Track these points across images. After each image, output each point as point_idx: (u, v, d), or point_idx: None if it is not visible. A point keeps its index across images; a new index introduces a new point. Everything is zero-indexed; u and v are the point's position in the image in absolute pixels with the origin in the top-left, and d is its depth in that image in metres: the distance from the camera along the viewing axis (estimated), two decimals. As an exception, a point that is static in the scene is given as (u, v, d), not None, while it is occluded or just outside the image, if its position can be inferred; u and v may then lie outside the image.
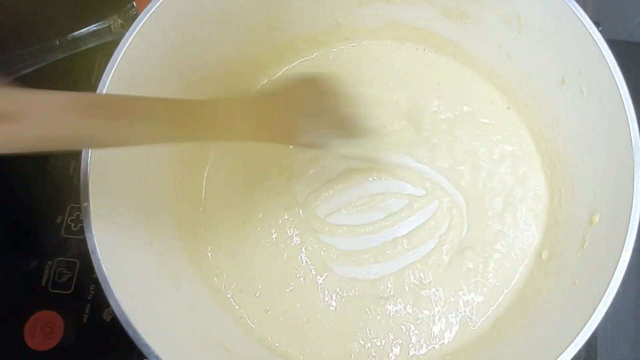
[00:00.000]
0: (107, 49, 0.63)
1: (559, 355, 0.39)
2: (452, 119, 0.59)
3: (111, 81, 0.44)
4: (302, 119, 0.44)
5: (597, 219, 0.46)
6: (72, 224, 0.59)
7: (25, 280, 0.57)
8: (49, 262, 0.58)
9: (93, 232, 0.41)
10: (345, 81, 0.61)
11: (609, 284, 0.40)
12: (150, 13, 0.46)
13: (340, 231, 0.57)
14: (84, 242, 0.41)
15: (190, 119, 0.40)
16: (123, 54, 0.45)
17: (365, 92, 0.61)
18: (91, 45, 0.63)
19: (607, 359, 0.55)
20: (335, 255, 0.56)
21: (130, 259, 0.45)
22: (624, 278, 0.40)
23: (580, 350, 0.39)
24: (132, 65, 0.46)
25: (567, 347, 0.39)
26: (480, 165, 0.58)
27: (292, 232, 0.57)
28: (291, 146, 0.45)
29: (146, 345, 0.40)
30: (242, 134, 0.44)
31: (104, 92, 0.44)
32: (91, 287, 0.57)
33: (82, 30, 0.62)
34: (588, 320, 0.39)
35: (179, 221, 0.54)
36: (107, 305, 0.40)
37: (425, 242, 0.56)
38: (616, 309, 0.40)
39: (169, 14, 0.47)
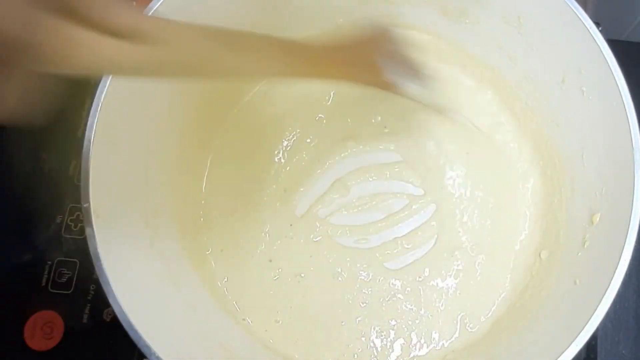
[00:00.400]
0: (107, 49, 0.63)
1: (560, 355, 0.39)
2: (450, 120, 0.59)
3: (110, 84, 0.44)
4: (383, 61, 0.46)
5: (598, 219, 0.46)
6: (72, 224, 0.59)
7: (25, 280, 0.57)
8: (49, 262, 0.57)
9: (94, 234, 0.41)
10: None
11: (609, 283, 0.40)
12: (150, 14, 0.46)
13: (340, 231, 0.57)
14: (84, 242, 0.41)
15: (297, 56, 0.42)
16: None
17: (365, 90, 0.61)
18: (91, 45, 0.62)
19: (607, 359, 0.55)
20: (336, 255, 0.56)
21: (131, 260, 0.45)
22: (624, 278, 0.40)
23: (580, 350, 0.39)
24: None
25: (568, 347, 0.39)
26: (480, 165, 0.58)
27: (293, 233, 0.57)
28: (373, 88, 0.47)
29: (147, 347, 0.40)
30: (337, 73, 0.45)
31: (104, 93, 0.44)
32: (91, 287, 0.56)
33: (82, 30, 0.62)
34: (589, 319, 0.39)
35: (179, 222, 0.54)
36: (107, 305, 0.40)
37: (426, 242, 0.56)
38: (616, 309, 0.40)
39: (169, 15, 0.47)
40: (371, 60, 0.45)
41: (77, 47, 0.27)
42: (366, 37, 0.46)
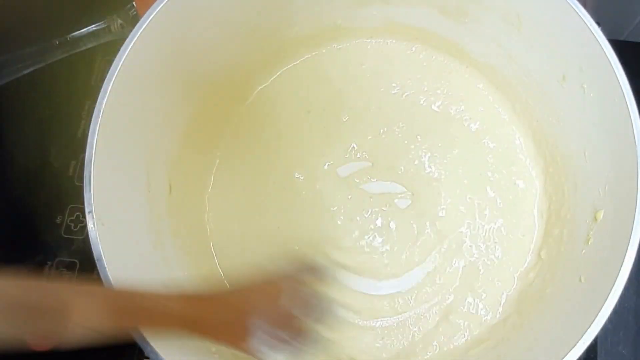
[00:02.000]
0: (107, 50, 0.63)
1: (567, 353, 0.39)
2: (451, 119, 0.60)
3: (112, 87, 0.44)
4: (255, 324, 0.39)
5: (601, 216, 0.46)
6: (72, 224, 0.59)
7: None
8: (49, 262, 0.57)
9: (98, 239, 0.41)
10: (343, 80, 0.61)
11: (615, 280, 0.40)
12: (151, 17, 0.46)
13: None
14: (84, 242, 0.41)
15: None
16: (124, 58, 0.45)
17: (364, 91, 0.61)
18: (91, 45, 0.63)
19: (607, 359, 0.55)
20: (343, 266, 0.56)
21: (135, 264, 0.45)
22: (625, 277, 0.40)
23: (579, 350, 0.39)
24: (133, 70, 0.46)
25: (575, 345, 0.39)
26: (480, 165, 0.58)
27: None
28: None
29: (154, 352, 0.40)
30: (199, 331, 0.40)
31: (106, 97, 0.44)
32: (91, 288, 0.56)
33: (81, 31, 0.62)
34: (595, 317, 0.39)
35: (182, 226, 0.54)
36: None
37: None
38: (616, 309, 0.40)
39: (170, 18, 0.47)
40: (243, 322, 0.39)
41: None
42: (266, 284, 0.40)
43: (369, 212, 0.57)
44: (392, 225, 0.57)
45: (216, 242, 0.57)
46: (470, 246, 0.56)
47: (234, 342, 0.39)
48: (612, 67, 0.44)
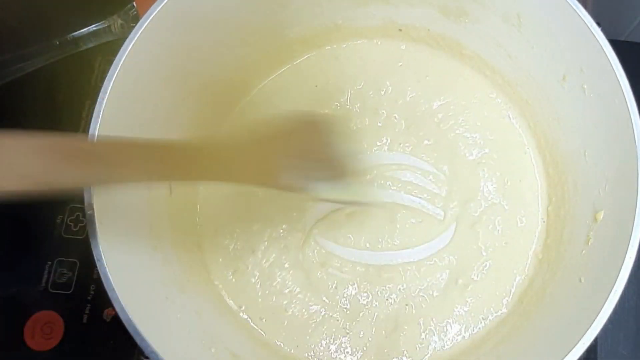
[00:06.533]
0: (107, 49, 0.63)
1: (568, 353, 0.39)
2: (451, 118, 0.60)
3: (112, 87, 0.44)
4: (284, 160, 0.42)
5: (601, 216, 0.46)
6: (72, 224, 0.59)
7: (25, 280, 0.57)
8: (49, 262, 0.57)
9: (98, 240, 0.41)
10: (343, 80, 0.61)
11: (615, 281, 0.39)
12: (151, 17, 0.46)
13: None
14: (84, 242, 0.41)
15: (174, 160, 0.39)
16: (124, 58, 0.45)
17: (364, 91, 0.61)
18: (91, 45, 0.63)
19: (607, 359, 0.55)
20: (340, 263, 0.56)
21: (135, 265, 0.45)
22: (624, 277, 0.40)
23: (579, 350, 0.39)
24: (133, 70, 0.46)
25: (576, 345, 0.39)
26: (481, 165, 0.58)
27: (292, 240, 0.57)
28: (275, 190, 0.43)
29: (154, 353, 0.40)
30: (228, 175, 0.42)
31: (106, 97, 0.44)
32: (91, 287, 0.56)
33: (82, 31, 0.62)
34: (595, 317, 0.39)
35: (182, 227, 0.54)
36: (107, 305, 0.40)
37: (428, 243, 0.56)
38: (616, 309, 0.40)
39: (170, 19, 0.47)
40: (268, 161, 0.41)
41: None
42: (289, 128, 0.43)
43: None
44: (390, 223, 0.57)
45: (216, 242, 0.57)
46: (469, 247, 0.56)
47: (269, 181, 0.41)
48: (612, 67, 0.44)
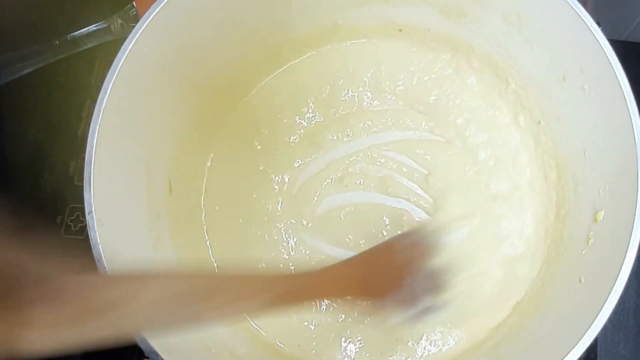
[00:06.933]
0: (107, 49, 0.63)
1: (568, 353, 0.39)
2: (451, 118, 0.60)
3: (112, 87, 0.44)
4: (413, 278, 0.41)
5: (602, 216, 0.46)
6: (72, 224, 0.59)
7: (25, 280, 0.57)
8: (49, 262, 0.57)
9: (98, 240, 0.41)
10: (343, 80, 0.61)
11: (615, 281, 0.40)
12: (151, 17, 0.46)
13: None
14: (84, 242, 0.41)
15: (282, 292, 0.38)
16: (124, 58, 0.45)
17: (364, 91, 0.61)
18: (91, 45, 0.63)
19: (607, 359, 0.55)
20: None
21: (135, 264, 0.45)
22: (624, 277, 0.40)
23: (579, 350, 0.39)
24: (133, 70, 0.46)
25: (576, 345, 0.39)
26: (481, 165, 0.58)
27: (293, 240, 0.57)
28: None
29: (154, 353, 0.40)
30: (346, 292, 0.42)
31: (106, 97, 0.44)
32: (91, 288, 0.56)
33: (81, 30, 0.62)
34: (595, 317, 0.39)
35: (181, 226, 0.54)
36: (107, 305, 0.40)
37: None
38: (616, 309, 0.40)
39: (170, 19, 0.47)
40: (395, 277, 0.41)
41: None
42: (399, 246, 0.42)
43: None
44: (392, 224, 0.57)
45: (216, 241, 0.57)
46: (469, 246, 0.55)
47: (376, 297, 0.41)
48: (612, 67, 0.44)
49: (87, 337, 0.29)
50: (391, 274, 0.41)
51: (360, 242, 0.56)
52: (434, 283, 0.42)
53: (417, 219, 0.57)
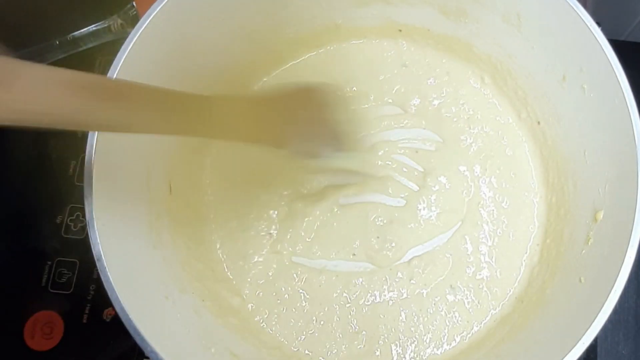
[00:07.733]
0: (107, 49, 0.63)
1: (568, 353, 0.39)
2: (450, 118, 0.60)
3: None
4: (299, 127, 0.44)
5: (601, 216, 0.46)
6: (72, 224, 0.59)
7: (25, 280, 0.57)
8: (49, 262, 0.57)
9: (98, 240, 0.41)
10: (341, 81, 0.61)
11: (615, 280, 0.40)
12: (151, 17, 0.46)
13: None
14: (84, 242, 0.42)
15: (189, 112, 0.40)
16: (124, 58, 0.45)
17: (364, 91, 0.61)
18: (91, 45, 0.63)
19: (607, 359, 0.55)
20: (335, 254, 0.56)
21: (135, 265, 0.45)
22: (624, 277, 0.40)
23: (579, 350, 0.39)
24: (133, 69, 0.46)
25: (576, 344, 0.39)
26: (480, 165, 0.58)
27: (293, 238, 0.57)
28: (283, 153, 0.45)
29: (154, 353, 0.40)
30: (239, 134, 0.44)
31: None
32: (91, 287, 0.56)
33: (82, 31, 0.62)
34: (595, 317, 0.39)
35: (182, 225, 0.54)
36: (107, 305, 0.40)
37: (424, 244, 0.56)
38: (616, 309, 0.40)
39: (170, 18, 0.47)
40: (284, 125, 0.43)
41: None
42: (291, 98, 0.44)
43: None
44: (390, 224, 0.57)
45: (216, 241, 0.57)
46: (471, 246, 0.56)
47: (283, 143, 0.43)
48: (612, 67, 0.44)
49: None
50: (290, 122, 0.43)
51: (356, 242, 0.56)
52: (335, 136, 0.44)
53: (416, 219, 0.57)
